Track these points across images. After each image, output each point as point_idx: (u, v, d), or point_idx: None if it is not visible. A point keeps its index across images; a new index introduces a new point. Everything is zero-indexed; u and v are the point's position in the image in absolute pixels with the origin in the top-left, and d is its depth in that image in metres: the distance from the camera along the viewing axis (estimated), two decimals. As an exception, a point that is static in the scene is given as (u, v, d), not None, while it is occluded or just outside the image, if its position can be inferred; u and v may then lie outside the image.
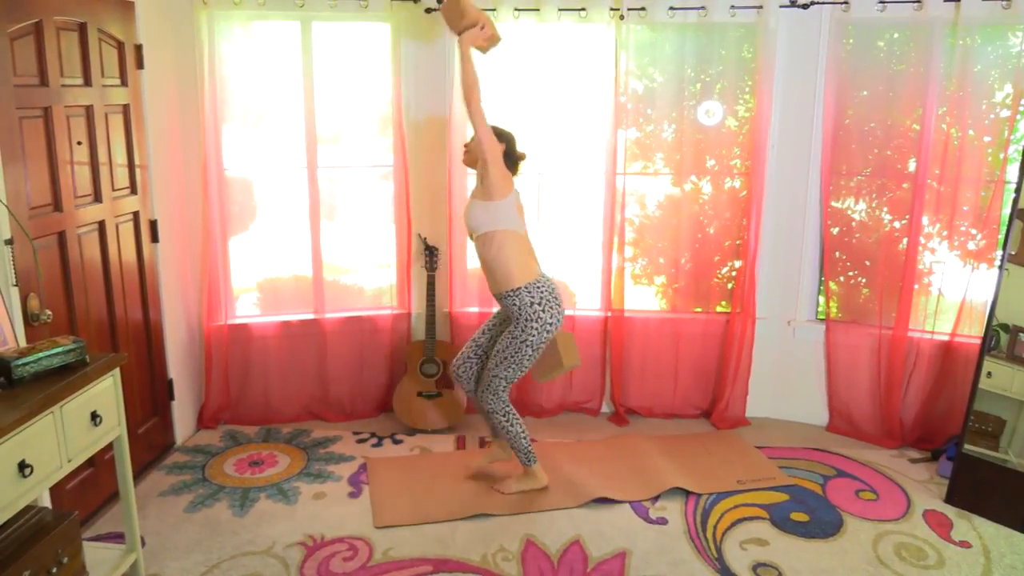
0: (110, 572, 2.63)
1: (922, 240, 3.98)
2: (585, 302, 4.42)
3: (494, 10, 3.93)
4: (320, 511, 3.39)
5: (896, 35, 3.98)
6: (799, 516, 3.38)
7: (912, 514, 3.41)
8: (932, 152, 3.85)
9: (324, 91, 4.08)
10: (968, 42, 3.70)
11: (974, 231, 3.89)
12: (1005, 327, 3.44)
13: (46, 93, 2.96)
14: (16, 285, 2.63)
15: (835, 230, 4.20)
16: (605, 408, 4.53)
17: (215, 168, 4.00)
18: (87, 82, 3.22)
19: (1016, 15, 3.59)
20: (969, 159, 3.81)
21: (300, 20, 3.96)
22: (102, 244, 3.35)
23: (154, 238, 3.76)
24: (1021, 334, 3.40)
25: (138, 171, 3.60)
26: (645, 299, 4.53)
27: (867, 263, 4.16)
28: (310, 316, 4.29)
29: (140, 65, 3.59)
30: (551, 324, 3.34)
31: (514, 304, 3.32)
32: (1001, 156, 3.75)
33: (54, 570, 2.29)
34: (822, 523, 3.32)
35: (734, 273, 4.37)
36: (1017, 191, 3.37)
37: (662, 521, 3.33)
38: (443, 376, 4.26)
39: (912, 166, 3.94)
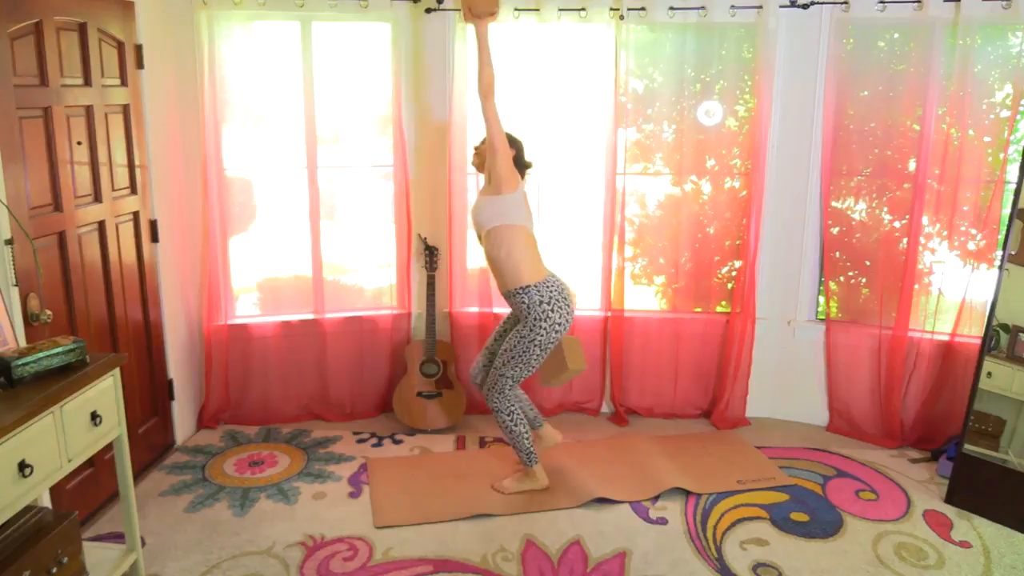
0: (110, 572, 2.63)
1: (922, 240, 3.98)
2: (585, 302, 4.42)
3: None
4: (320, 511, 3.39)
5: (896, 35, 3.98)
6: (799, 516, 3.38)
7: (912, 514, 3.41)
8: (932, 152, 3.85)
9: (324, 91, 4.08)
10: (968, 42, 3.70)
11: (974, 231, 3.89)
12: (1005, 327, 3.44)
13: (46, 93, 2.96)
14: (16, 285, 2.63)
15: (835, 230, 4.20)
16: (605, 408, 4.53)
17: (215, 168, 4.00)
18: (87, 82, 3.22)
19: (1016, 15, 3.59)
20: (969, 159, 3.81)
21: (300, 20, 3.96)
22: (102, 244, 3.35)
23: (154, 238, 3.76)
24: (1021, 334, 3.40)
25: (138, 171, 3.60)
26: (645, 299, 4.53)
27: (867, 263, 4.17)
28: (310, 316, 4.29)
29: (140, 65, 3.59)
30: (560, 324, 3.32)
31: (523, 303, 3.31)
32: (1001, 156, 3.75)
33: (54, 570, 2.29)
34: (822, 523, 3.32)
35: (734, 273, 4.37)
36: (1017, 191, 3.37)
37: (662, 521, 3.33)
38: (443, 376, 4.26)
39: (912, 166, 3.94)
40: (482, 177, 3.54)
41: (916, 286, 4.00)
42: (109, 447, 2.64)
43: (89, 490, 3.24)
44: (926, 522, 3.34)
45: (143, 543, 2.99)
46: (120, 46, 3.45)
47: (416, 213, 4.27)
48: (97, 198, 3.31)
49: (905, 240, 4.00)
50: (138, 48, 3.57)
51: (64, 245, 3.07)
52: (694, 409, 4.47)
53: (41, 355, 2.32)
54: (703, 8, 3.93)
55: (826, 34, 3.92)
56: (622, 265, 4.26)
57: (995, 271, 3.63)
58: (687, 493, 3.55)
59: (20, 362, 2.26)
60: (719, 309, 4.41)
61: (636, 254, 4.48)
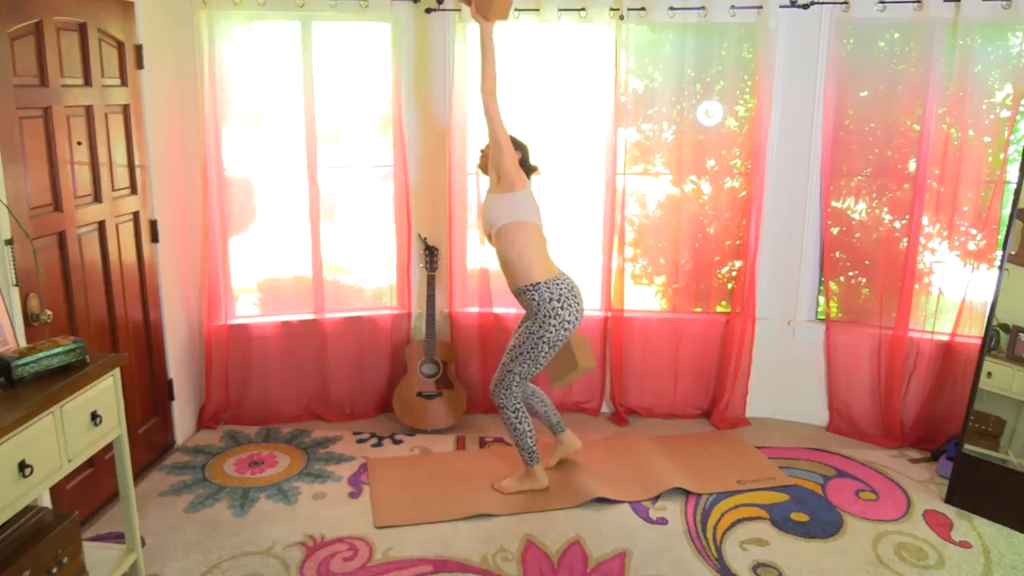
0: (110, 572, 2.63)
1: (922, 240, 3.98)
2: (585, 302, 4.39)
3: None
4: (320, 511, 3.39)
5: (896, 35, 3.98)
6: (799, 516, 3.38)
7: (912, 514, 3.41)
8: (932, 152, 3.85)
9: (324, 91, 4.08)
10: (968, 42, 3.70)
11: (974, 231, 3.89)
12: (1005, 327, 3.44)
13: (46, 93, 2.96)
14: (16, 285, 2.63)
15: (835, 230, 4.20)
16: (605, 408, 4.53)
17: (215, 168, 4.00)
18: (87, 82, 3.22)
19: (1016, 15, 3.58)
20: (969, 159, 3.81)
21: (300, 20, 3.96)
22: (102, 244, 3.35)
23: (154, 238, 3.76)
24: (1021, 334, 3.40)
25: (138, 171, 3.60)
26: (645, 299, 4.53)
27: (867, 263, 4.16)
28: (310, 316, 4.29)
29: (140, 65, 3.59)
30: (570, 322, 3.32)
31: (533, 300, 3.31)
32: (1001, 156, 3.75)
33: (54, 570, 2.29)
34: (822, 523, 3.32)
35: (734, 273, 4.37)
36: (1017, 191, 3.37)
37: (662, 521, 3.33)
38: (443, 376, 4.26)
39: (912, 166, 3.94)
40: (487, 178, 3.55)
41: (916, 286, 4.00)
42: (109, 447, 2.64)
43: (89, 490, 3.24)
44: (926, 522, 3.34)
45: (143, 543, 2.99)
46: (120, 46, 3.46)
47: (416, 213, 4.28)
48: (97, 198, 3.31)
49: (905, 240, 4.00)
50: (138, 48, 3.57)
51: (64, 245, 3.07)
52: (694, 409, 4.47)
53: (41, 355, 2.32)
54: (703, 8, 3.93)
55: (826, 34, 3.92)
56: (622, 265, 4.26)
57: (995, 271, 3.63)
58: (687, 493, 3.55)
59: (20, 362, 2.26)
60: (719, 309, 4.41)
61: (636, 254, 4.48)
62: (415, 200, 4.26)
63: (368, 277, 4.54)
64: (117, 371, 2.58)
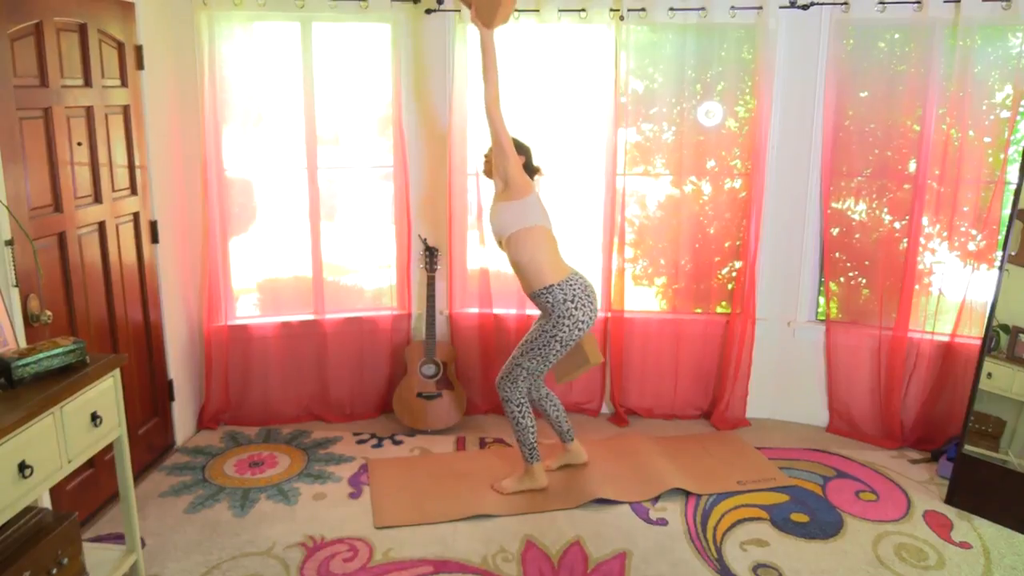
0: (110, 573, 2.63)
1: (922, 241, 3.98)
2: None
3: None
4: (320, 512, 3.39)
5: (896, 36, 3.98)
6: (799, 517, 3.38)
7: (912, 515, 3.41)
8: (932, 153, 3.85)
9: (324, 92, 4.08)
10: (968, 43, 3.70)
11: (974, 232, 3.89)
12: (1005, 328, 3.44)
13: (46, 94, 2.96)
14: (16, 286, 2.63)
15: (835, 231, 4.20)
16: (605, 409, 4.53)
17: (215, 169, 4.00)
18: (87, 83, 3.22)
19: (1016, 16, 3.59)
20: (969, 160, 3.81)
21: (300, 21, 3.96)
22: (102, 245, 3.35)
23: (154, 239, 3.76)
24: (1021, 335, 3.40)
25: (138, 172, 3.60)
26: (645, 300, 4.53)
27: (867, 264, 4.16)
28: (310, 317, 4.29)
29: (140, 66, 3.59)
30: (584, 322, 3.34)
31: (548, 302, 3.33)
32: (1001, 157, 3.75)
33: (54, 571, 2.29)
34: (822, 524, 3.32)
35: (734, 274, 4.37)
36: (1017, 192, 3.38)
37: (662, 522, 3.33)
38: (443, 377, 4.26)
39: (912, 167, 3.94)
40: (490, 182, 3.56)
41: (916, 287, 4.00)
42: (109, 448, 2.64)
43: (89, 491, 3.24)
44: (926, 523, 3.34)
45: (143, 544, 2.99)
46: (120, 47, 3.46)
47: (416, 214, 4.28)
48: (97, 199, 3.31)
49: (905, 241, 4.00)
50: (138, 49, 3.57)
51: (64, 246, 3.07)
52: (694, 410, 4.47)
53: (41, 356, 2.32)
54: (703, 9, 3.93)
55: (826, 35, 3.92)
56: (622, 266, 4.26)
57: (995, 272, 3.63)
58: (687, 494, 3.55)
59: (20, 363, 2.26)
60: (719, 310, 4.41)
61: (636, 255, 4.48)
62: (415, 201, 4.26)
63: (368, 278, 4.54)
64: (117, 372, 2.58)
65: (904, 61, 3.94)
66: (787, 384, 4.38)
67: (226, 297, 4.19)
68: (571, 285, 3.33)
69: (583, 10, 3.95)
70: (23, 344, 2.62)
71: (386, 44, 4.09)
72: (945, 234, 3.95)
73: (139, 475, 3.62)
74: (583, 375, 4.36)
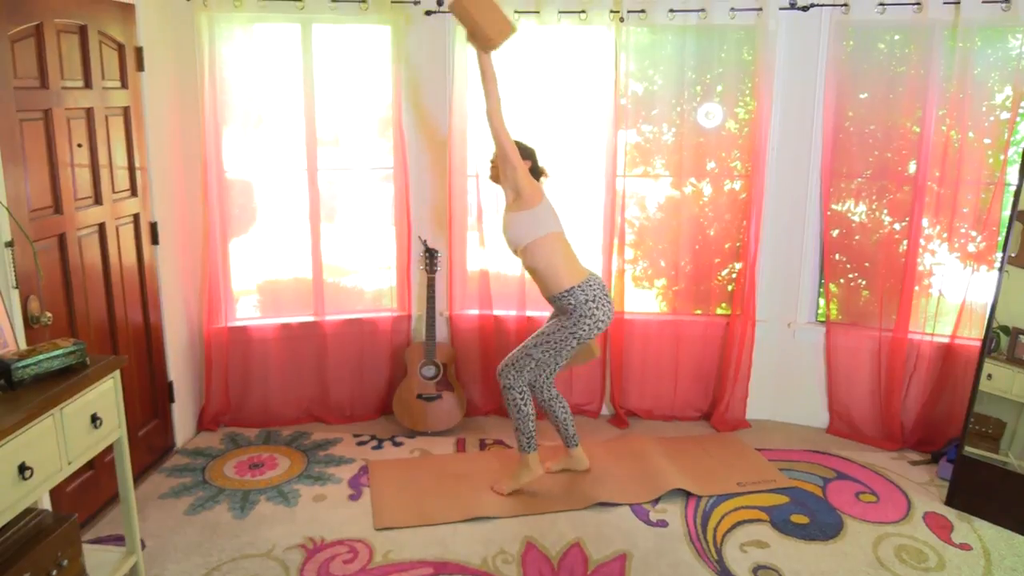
0: (110, 575, 2.63)
1: (922, 242, 3.98)
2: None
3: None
4: (320, 513, 3.39)
5: (896, 37, 3.98)
6: (799, 518, 3.37)
7: (912, 516, 3.41)
8: (932, 154, 3.85)
9: (324, 93, 4.08)
10: (968, 44, 3.71)
11: (974, 233, 3.89)
12: (1005, 329, 3.43)
13: (46, 95, 2.96)
14: (16, 287, 2.63)
15: (835, 232, 4.20)
16: (605, 410, 4.53)
17: (215, 170, 4.00)
18: (87, 84, 3.22)
19: (1016, 17, 3.59)
20: (969, 161, 3.81)
21: (300, 22, 3.97)
22: (102, 246, 3.35)
23: (154, 240, 3.76)
24: (1021, 336, 3.40)
25: (138, 173, 3.60)
26: (645, 301, 4.53)
27: (867, 265, 4.16)
28: (310, 318, 4.29)
29: (140, 67, 3.59)
30: (602, 321, 3.39)
31: (569, 304, 3.36)
32: (1001, 158, 3.75)
33: (54, 573, 2.29)
34: (822, 525, 3.32)
35: (734, 275, 4.37)
36: (1017, 193, 3.37)
37: (662, 523, 3.33)
38: (443, 378, 4.26)
39: (912, 168, 3.94)
40: (491, 183, 3.58)
41: (916, 288, 4.00)
42: (109, 449, 2.63)
43: (89, 492, 3.24)
44: (926, 524, 3.34)
45: (143, 545, 2.99)
46: (120, 48, 3.46)
47: (416, 215, 4.28)
48: (97, 200, 3.31)
49: (905, 242, 4.00)
50: (138, 50, 3.57)
51: (64, 247, 3.07)
52: (694, 411, 4.47)
53: (41, 357, 2.32)
54: (703, 10, 3.93)
55: (826, 36, 3.93)
56: (622, 267, 4.26)
57: (995, 273, 3.63)
58: (687, 495, 3.55)
59: (20, 364, 2.26)
60: (719, 311, 4.41)
61: (636, 256, 4.48)
62: (415, 202, 4.26)
63: (368, 279, 4.54)
64: (117, 373, 2.58)
65: (904, 62, 3.94)
66: (787, 385, 4.38)
67: (226, 298, 4.19)
68: (590, 286, 3.38)
69: (583, 12, 3.95)
70: (23, 345, 2.62)
71: (386, 45, 4.09)
72: (945, 235, 3.95)
73: (139, 477, 3.62)
74: (583, 375, 4.40)
